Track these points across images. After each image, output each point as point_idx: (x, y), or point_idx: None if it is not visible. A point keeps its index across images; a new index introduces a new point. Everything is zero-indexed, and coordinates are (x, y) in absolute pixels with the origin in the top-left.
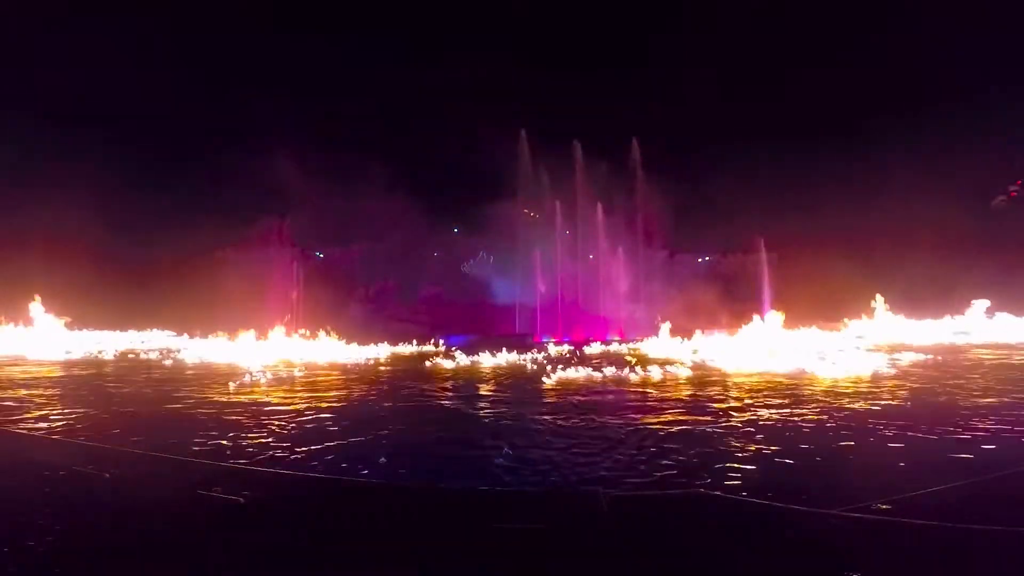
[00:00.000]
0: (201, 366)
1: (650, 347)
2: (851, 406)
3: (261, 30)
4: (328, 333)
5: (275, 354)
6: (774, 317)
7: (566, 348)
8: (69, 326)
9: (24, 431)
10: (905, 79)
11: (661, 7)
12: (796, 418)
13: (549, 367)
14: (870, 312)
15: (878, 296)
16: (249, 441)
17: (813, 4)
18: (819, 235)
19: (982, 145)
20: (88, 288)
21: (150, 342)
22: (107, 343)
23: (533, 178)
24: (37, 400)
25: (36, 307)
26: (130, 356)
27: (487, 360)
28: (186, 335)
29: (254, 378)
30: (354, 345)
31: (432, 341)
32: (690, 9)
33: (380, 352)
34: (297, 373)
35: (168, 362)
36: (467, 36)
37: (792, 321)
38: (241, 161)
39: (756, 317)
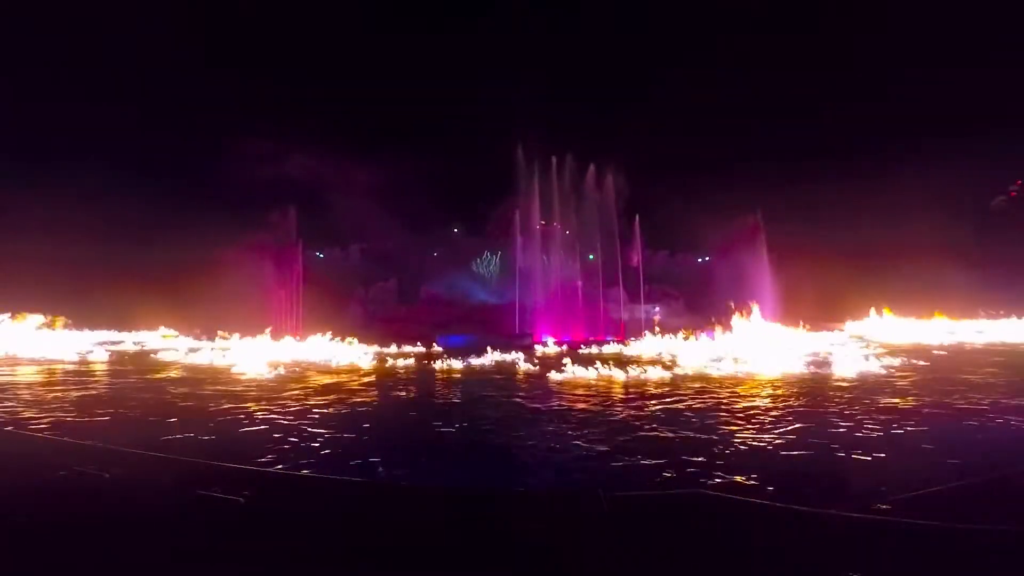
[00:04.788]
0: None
1: (646, 347)
2: (850, 406)
3: (260, 33)
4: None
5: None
6: (751, 319)
7: (565, 348)
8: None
9: (30, 431)
10: (905, 83)
11: (663, 37)
12: (793, 418)
13: (546, 367)
14: (868, 313)
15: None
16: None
17: (813, 11)
18: (819, 237)
19: (981, 148)
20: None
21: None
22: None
23: (536, 182)
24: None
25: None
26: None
27: (488, 360)
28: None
29: None
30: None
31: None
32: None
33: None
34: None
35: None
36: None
37: (788, 321)
38: (242, 162)
39: (746, 317)
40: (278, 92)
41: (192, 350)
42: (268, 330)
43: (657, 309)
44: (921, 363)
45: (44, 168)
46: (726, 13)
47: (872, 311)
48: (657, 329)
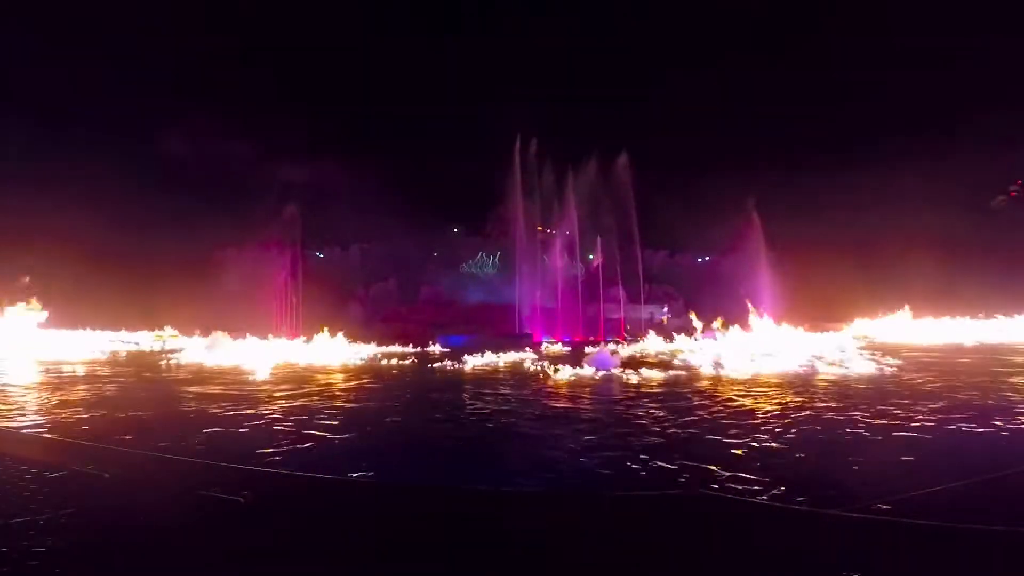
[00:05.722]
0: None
1: (648, 347)
2: (848, 407)
3: (262, 35)
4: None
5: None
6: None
7: (564, 349)
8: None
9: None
10: (905, 84)
11: (663, 37)
12: (793, 419)
13: (549, 367)
14: (870, 313)
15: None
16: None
17: (813, 10)
18: (819, 236)
19: (980, 149)
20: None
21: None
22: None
23: (537, 182)
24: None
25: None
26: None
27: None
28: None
29: None
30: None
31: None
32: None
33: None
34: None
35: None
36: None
37: (789, 321)
38: (243, 162)
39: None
40: (280, 93)
41: (178, 350)
42: (270, 330)
43: (666, 309)
44: (920, 363)
45: (44, 167)
46: (726, 13)
47: (869, 315)
48: (666, 323)
